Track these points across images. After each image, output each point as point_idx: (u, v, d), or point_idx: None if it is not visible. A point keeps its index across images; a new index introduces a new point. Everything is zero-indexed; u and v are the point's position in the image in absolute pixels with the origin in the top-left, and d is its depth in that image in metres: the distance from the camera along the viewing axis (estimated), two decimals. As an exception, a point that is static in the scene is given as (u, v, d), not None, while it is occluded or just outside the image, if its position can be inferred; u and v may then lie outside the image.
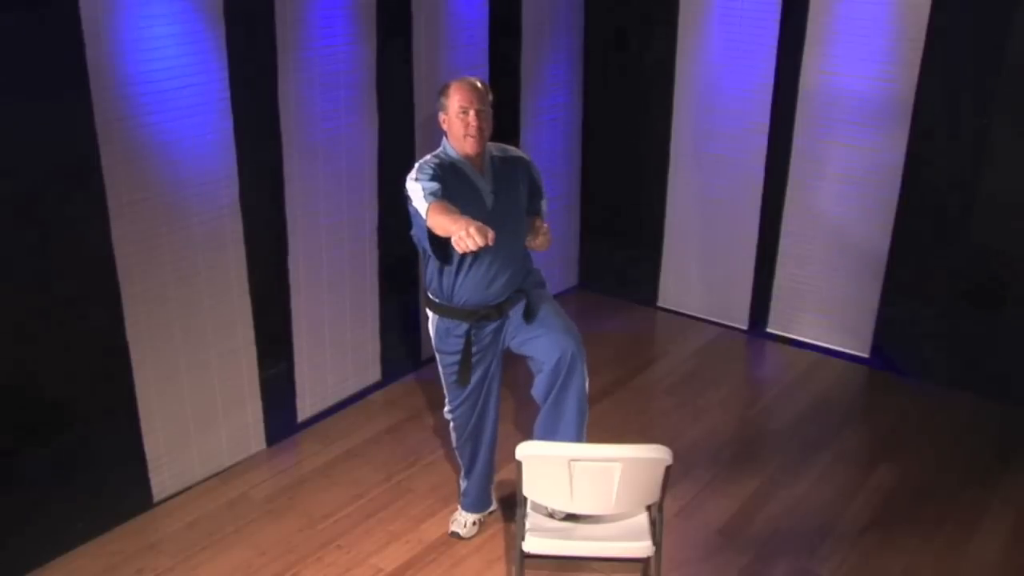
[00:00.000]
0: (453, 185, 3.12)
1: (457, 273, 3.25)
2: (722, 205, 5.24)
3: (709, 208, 5.30)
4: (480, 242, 2.72)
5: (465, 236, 2.72)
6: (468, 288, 3.26)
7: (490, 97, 3.21)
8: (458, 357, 3.36)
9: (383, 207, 4.37)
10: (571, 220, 5.72)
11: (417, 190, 3.04)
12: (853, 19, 4.58)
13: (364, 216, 4.37)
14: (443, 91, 3.20)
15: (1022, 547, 3.61)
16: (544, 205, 3.49)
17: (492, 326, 3.34)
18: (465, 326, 3.31)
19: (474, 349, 3.34)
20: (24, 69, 3.04)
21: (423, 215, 2.98)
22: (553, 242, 3.43)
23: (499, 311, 3.32)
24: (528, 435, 3.39)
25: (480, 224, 2.76)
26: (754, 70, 4.91)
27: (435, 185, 3.03)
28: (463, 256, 3.15)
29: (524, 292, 3.34)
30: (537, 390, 3.33)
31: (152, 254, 3.55)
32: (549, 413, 3.32)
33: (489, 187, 3.22)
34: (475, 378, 3.40)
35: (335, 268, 4.32)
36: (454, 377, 3.40)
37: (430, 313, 3.40)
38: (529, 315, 3.31)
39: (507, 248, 3.22)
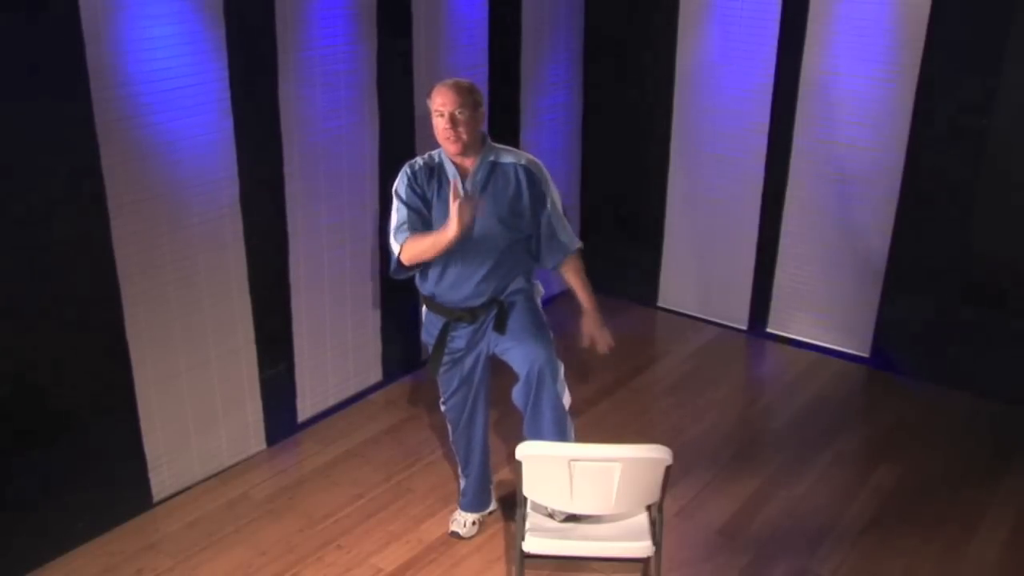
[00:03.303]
0: (431, 190, 3.21)
1: (431, 273, 3.31)
2: (722, 205, 5.24)
3: (709, 208, 5.30)
4: (465, 220, 2.97)
5: (456, 224, 2.94)
6: (442, 288, 3.31)
7: (475, 98, 3.16)
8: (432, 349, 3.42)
9: (384, 207, 4.37)
10: (571, 220, 5.69)
11: (392, 218, 3.24)
12: (853, 19, 4.58)
13: (365, 216, 4.38)
14: (429, 93, 3.20)
15: (1022, 547, 3.61)
16: (564, 239, 3.40)
17: (468, 328, 3.36)
18: (444, 320, 3.36)
19: (452, 347, 3.38)
20: (24, 69, 3.04)
21: (395, 253, 3.22)
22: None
23: (472, 315, 3.33)
24: (523, 438, 3.38)
25: (457, 210, 2.94)
26: (754, 70, 4.91)
27: (405, 216, 3.19)
28: (439, 258, 3.22)
29: (498, 303, 3.34)
30: (516, 400, 3.36)
31: (152, 254, 3.56)
32: (530, 422, 3.34)
33: (466, 192, 3.19)
34: (461, 371, 3.43)
35: (336, 268, 4.33)
36: (441, 369, 3.43)
37: (423, 303, 3.46)
38: (500, 326, 3.33)
39: (479, 254, 3.23)
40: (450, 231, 2.98)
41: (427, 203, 3.23)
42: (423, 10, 4.36)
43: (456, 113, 3.11)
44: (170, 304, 3.67)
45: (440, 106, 3.12)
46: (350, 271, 4.39)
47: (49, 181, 3.20)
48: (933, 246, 4.65)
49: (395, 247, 3.22)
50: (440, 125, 3.14)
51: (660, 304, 5.66)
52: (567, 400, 3.32)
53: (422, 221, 3.21)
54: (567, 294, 3.53)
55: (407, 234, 3.19)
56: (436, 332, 3.39)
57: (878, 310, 4.90)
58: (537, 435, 3.30)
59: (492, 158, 3.25)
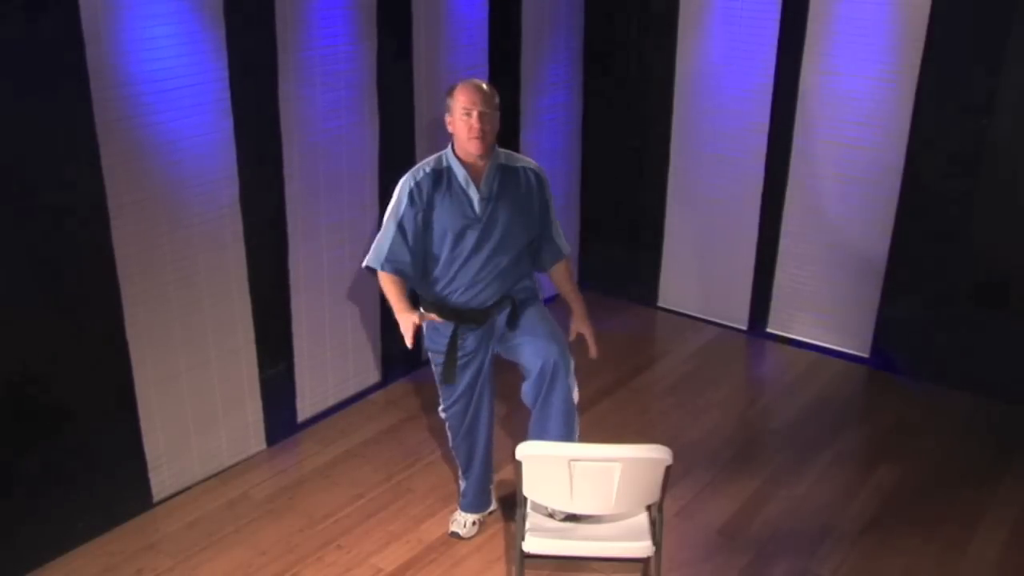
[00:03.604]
0: (439, 195, 3.20)
1: (444, 277, 3.28)
2: (722, 205, 5.24)
3: (709, 208, 5.30)
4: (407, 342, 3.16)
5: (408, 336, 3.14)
6: (452, 290, 3.29)
7: (496, 100, 3.20)
8: (444, 356, 3.39)
9: (383, 207, 4.35)
10: (571, 220, 5.72)
11: (383, 227, 3.26)
12: (853, 19, 4.58)
13: (365, 216, 4.38)
14: (449, 92, 3.20)
15: (1022, 547, 3.61)
16: (560, 243, 3.43)
17: (479, 330, 3.35)
18: (452, 326, 3.33)
19: (462, 351, 3.36)
20: (24, 69, 3.04)
21: (370, 264, 3.28)
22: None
23: (485, 316, 3.33)
24: (526, 435, 3.38)
25: (407, 330, 3.13)
26: (754, 70, 4.91)
27: (391, 238, 3.21)
28: (452, 261, 3.25)
29: (511, 300, 3.35)
30: (525, 396, 3.35)
31: (152, 254, 3.56)
32: (538, 418, 3.34)
33: (482, 194, 3.22)
34: (465, 380, 3.42)
35: (336, 268, 4.33)
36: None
37: (422, 311, 3.41)
38: (512, 323, 3.33)
39: (495, 257, 3.24)
40: (403, 330, 3.15)
41: (429, 211, 3.22)
42: (423, 10, 4.36)
43: (484, 113, 3.12)
44: (170, 304, 3.67)
45: (469, 104, 3.12)
46: (350, 271, 4.39)
47: (49, 181, 3.20)
48: (933, 246, 4.65)
49: (373, 263, 3.27)
50: (467, 124, 3.13)
51: (660, 304, 5.66)
52: (576, 395, 3.33)
53: (407, 248, 3.23)
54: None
55: (383, 265, 3.24)
56: (445, 340, 3.35)
57: (878, 310, 4.90)
58: (544, 430, 3.30)
59: (502, 161, 3.28)
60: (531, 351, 3.29)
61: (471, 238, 3.23)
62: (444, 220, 3.22)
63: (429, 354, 3.47)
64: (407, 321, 3.16)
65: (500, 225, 3.23)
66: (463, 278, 3.27)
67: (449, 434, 3.59)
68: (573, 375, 3.32)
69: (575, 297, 3.48)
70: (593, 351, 3.45)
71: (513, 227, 3.27)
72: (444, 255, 3.25)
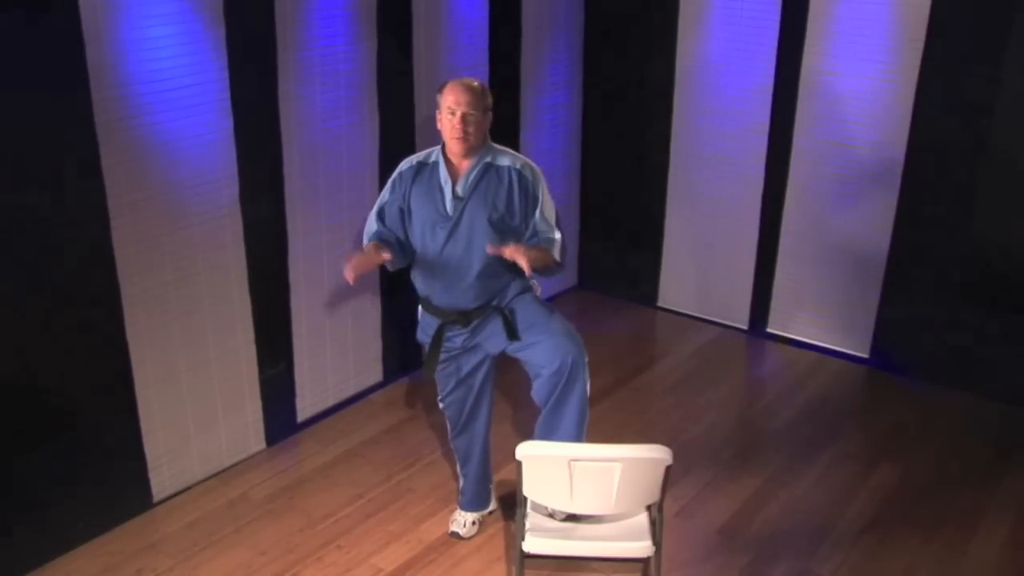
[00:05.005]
0: (416, 188, 3.25)
1: (423, 273, 3.32)
2: (722, 205, 5.24)
3: (709, 208, 5.30)
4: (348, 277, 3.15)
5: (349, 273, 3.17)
6: (434, 290, 3.31)
7: (487, 101, 3.18)
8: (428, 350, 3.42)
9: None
10: (571, 220, 5.72)
11: (375, 208, 3.40)
12: (853, 19, 4.58)
13: (364, 216, 4.36)
14: (440, 89, 3.20)
15: (1022, 547, 3.61)
16: (545, 231, 3.24)
17: (465, 331, 3.34)
18: (438, 322, 3.34)
19: (446, 350, 3.37)
20: (24, 69, 3.04)
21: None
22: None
23: (465, 319, 3.31)
24: (527, 435, 3.38)
25: (350, 260, 3.15)
26: (754, 70, 4.92)
27: (375, 213, 3.35)
28: (425, 255, 3.29)
29: (499, 310, 3.31)
30: (538, 394, 3.31)
31: (152, 254, 3.56)
32: (549, 416, 3.31)
33: (456, 193, 3.20)
34: (455, 376, 3.43)
35: (336, 268, 4.32)
36: (438, 367, 3.42)
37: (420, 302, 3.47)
38: (511, 333, 3.28)
39: (469, 256, 3.22)
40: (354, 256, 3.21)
41: (407, 202, 3.27)
42: (423, 10, 4.36)
43: (468, 114, 3.11)
44: (170, 304, 3.67)
45: (453, 104, 3.11)
46: (350, 271, 4.39)
47: (49, 181, 3.20)
48: (933, 246, 4.65)
49: (365, 235, 3.40)
50: (450, 123, 3.13)
51: (660, 304, 5.66)
52: (588, 389, 3.31)
53: (384, 232, 3.32)
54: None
55: (368, 237, 3.36)
56: (431, 332, 3.37)
57: (878, 310, 4.90)
58: (553, 429, 3.28)
59: (488, 159, 3.23)
60: (549, 348, 3.24)
61: (440, 235, 3.23)
62: (418, 213, 3.26)
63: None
64: (363, 250, 3.22)
65: (469, 224, 3.20)
66: (441, 276, 3.27)
67: (448, 425, 3.59)
68: (587, 371, 3.30)
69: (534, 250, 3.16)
70: (512, 254, 3.05)
71: (481, 228, 3.20)
72: (419, 249, 3.29)
